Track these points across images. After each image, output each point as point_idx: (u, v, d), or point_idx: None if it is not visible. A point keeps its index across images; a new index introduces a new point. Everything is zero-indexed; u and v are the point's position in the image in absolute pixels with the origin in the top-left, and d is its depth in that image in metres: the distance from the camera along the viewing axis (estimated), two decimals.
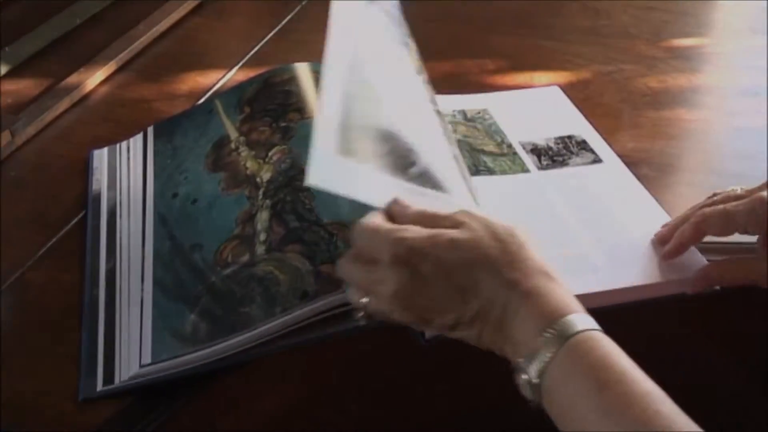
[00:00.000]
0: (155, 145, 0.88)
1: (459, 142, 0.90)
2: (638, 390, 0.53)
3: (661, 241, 0.77)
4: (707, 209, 0.74)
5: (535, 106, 0.98)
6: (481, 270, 0.59)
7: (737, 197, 0.74)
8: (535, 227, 0.78)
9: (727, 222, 0.72)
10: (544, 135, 0.92)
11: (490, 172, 0.86)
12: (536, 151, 0.90)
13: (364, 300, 0.62)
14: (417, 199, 0.65)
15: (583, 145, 0.91)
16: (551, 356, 0.55)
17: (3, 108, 0.97)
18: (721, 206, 0.73)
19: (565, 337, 0.56)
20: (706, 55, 1.16)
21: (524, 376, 0.57)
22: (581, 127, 0.94)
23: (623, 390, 0.53)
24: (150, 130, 0.92)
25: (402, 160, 0.68)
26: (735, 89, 1.07)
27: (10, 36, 1.08)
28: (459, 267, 0.59)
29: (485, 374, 0.90)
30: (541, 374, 0.56)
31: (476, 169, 0.86)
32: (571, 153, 0.90)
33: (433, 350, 0.83)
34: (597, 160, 0.89)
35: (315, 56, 0.96)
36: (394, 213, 0.63)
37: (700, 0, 1.30)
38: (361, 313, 0.63)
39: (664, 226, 0.78)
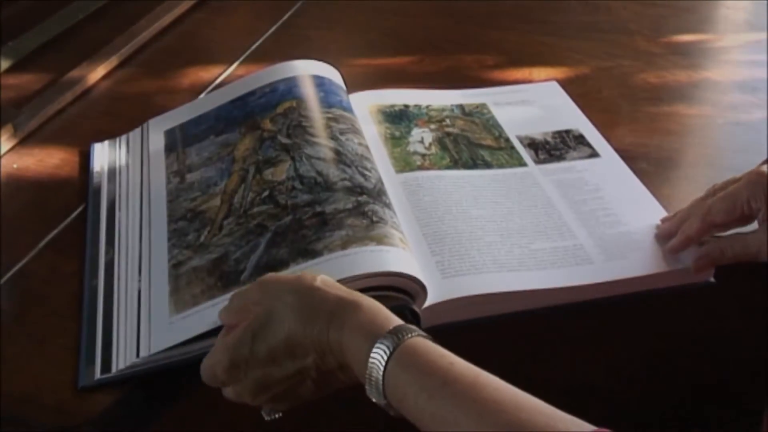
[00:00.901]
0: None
1: (457, 136, 0.91)
2: (461, 387, 0.54)
3: (665, 235, 0.77)
4: (710, 200, 0.75)
5: (533, 101, 0.99)
6: (292, 335, 0.60)
7: (735, 180, 0.75)
8: (531, 220, 0.80)
9: (731, 202, 0.73)
10: (542, 129, 0.93)
11: (488, 165, 0.87)
12: (533, 145, 0.90)
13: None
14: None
15: (580, 140, 0.91)
16: (382, 376, 0.56)
17: (6, 102, 0.98)
18: (721, 192, 0.75)
19: (387, 353, 0.56)
20: (705, 50, 1.16)
21: (374, 400, 0.58)
22: (579, 122, 0.95)
23: (450, 390, 0.54)
24: (149, 123, 0.92)
25: (232, 276, 0.71)
26: (734, 84, 1.08)
27: (14, 31, 1.09)
28: (273, 346, 0.60)
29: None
30: (385, 395, 0.57)
31: (474, 163, 0.87)
32: (568, 147, 0.90)
33: None
34: (594, 155, 0.89)
35: (315, 52, 0.98)
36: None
37: None
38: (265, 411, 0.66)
39: (663, 221, 0.79)
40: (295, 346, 0.60)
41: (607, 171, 0.87)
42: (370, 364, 0.57)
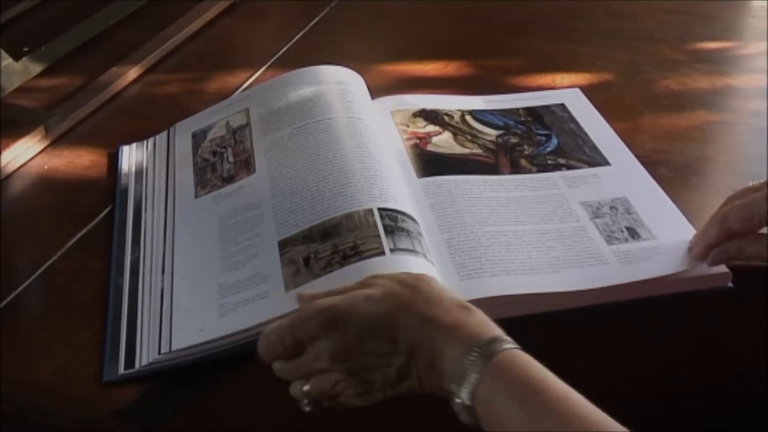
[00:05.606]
0: None
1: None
2: (554, 397, 0.56)
3: (691, 248, 0.77)
4: (726, 207, 0.75)
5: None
6: (401, 316, 0.61)
7: (755, 189, 0.74)
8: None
9: (748, 210, 0.72)
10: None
11: None
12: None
13: (306, 387, 0.64)
14: None
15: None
16: (478, 377, 0.58)
17: (39, 104, 1.01)
18: (739, 201, 0.74)
19: (487, 357, 0.58)
20: (729, 58, 1.16)
21: (458, 401, 0.59)
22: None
23: (541, 399, 0.56)
24: (176, 127, 0.94)
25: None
26: (757, 91, 1.07)
27: (46, 35, 1.12)
28: (380, 319, 0.62)
29: None
30: (473, 396, 0.58)
31: None
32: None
33: None
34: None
35: (341, 57, 0.99)
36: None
37: (725, 3, 1.30)
38: (306, 402, 0.65)
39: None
40: (397, 329, 0.61)
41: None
42: (466, 366, 0.58)
